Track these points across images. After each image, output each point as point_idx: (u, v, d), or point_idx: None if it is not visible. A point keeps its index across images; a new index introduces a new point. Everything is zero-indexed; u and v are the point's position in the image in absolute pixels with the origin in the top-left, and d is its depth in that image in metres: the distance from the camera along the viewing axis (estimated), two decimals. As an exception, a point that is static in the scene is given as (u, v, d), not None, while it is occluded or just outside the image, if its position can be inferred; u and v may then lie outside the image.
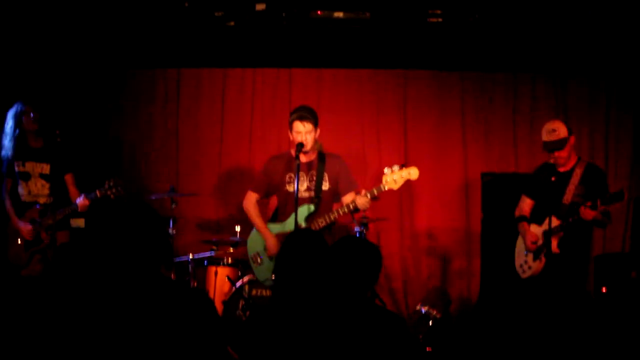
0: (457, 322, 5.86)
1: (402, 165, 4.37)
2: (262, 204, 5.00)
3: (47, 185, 4.94)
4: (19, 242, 4.91)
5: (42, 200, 4.91)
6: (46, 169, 4.95)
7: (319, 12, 5.71)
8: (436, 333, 5.49)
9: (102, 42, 6.17)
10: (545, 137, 4.59)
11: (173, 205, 5.61)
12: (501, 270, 5.13)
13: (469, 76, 6.37)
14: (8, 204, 5.00)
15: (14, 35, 5.97)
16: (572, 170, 4.62)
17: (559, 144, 4.57)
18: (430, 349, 5.28)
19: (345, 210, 4.45)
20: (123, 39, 6.14)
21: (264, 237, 4.68)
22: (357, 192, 4.59)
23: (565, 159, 4.61)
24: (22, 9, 5.65)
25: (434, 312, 5.53)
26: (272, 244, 4.61)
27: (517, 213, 4.88)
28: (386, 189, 4.36)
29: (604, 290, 5.33)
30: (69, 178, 5.04)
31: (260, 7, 5.61)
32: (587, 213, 4.39)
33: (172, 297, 2.26)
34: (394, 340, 2.65)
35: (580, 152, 6.22)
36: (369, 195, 4.35)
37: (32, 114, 4.88)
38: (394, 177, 4.33)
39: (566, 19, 5.60)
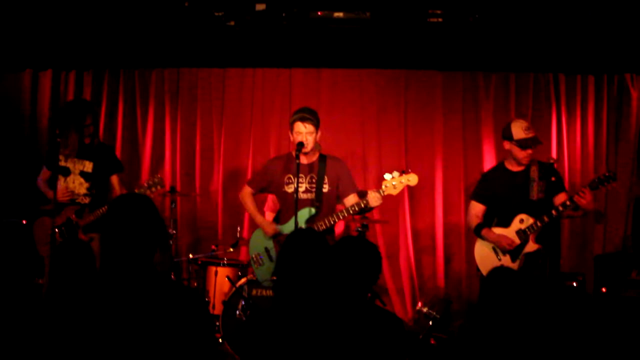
0: (457, 322, 5.86)
1: (403, 172, 4.41)
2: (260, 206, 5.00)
3: (86, 185, 4.82)
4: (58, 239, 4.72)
5: (79, 199, 4.77)
6: (88, 167, 4.81)
7: (319, 12, 5.70)
8: (436, 333, 5.50)
9: (102, 42, 6.17)
10: (524, 134, 4.61)
11: (173, 205, 5.61)
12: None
13: (469, 76, 6.37)
14: (45, 188, 4.82)
15: (14, 35, 5.97)
16: (527, 169, 4.65)
17: (538, 141, 4.66)
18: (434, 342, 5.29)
19: (356, 208, 4.44)
20: (123, 39, 6.14)
21: (258, 223, 4.72)
22: (360, 191, 4.60)
23: (532, 157, 4.67)
24: (23, 8, 5.65)
25: (434, 312, 5.54)
26: (268, 227, 4.65)
27: (473, 222, 4.85)
28: (385, 194, 4.38)
29: (604, 290, 5.33)
30: (115, 179, 4.91)
31: (260, 7, 5.61)
32: (585, 198, 4.40)
33: (167, 297, 2.26)
34: (391, 340, 2.65)
35: (583, 151, 6.26)
36: (378, 194, 4.37)
37: (91, 120, 4.82)
38: (394, 183, 4.37)
39: (566, 19, 5.60)
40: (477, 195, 4.91)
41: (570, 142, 6.27)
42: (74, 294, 2.27)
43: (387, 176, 4.40)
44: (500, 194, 4.73)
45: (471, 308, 6.02)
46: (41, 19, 5.78)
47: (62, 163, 4.81)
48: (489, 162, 6.28)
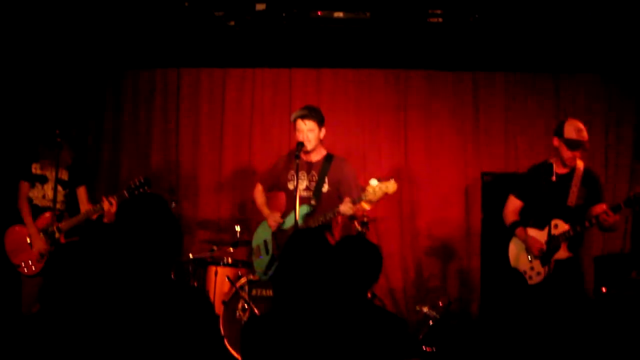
0: (457, 322, 5.87)
1: (380, 179, 4.31)
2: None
3: (63, 192, 4.84)
4: (33, 251, 4.77)
5: (57, 205, 4.77)
6: (65, 175, 4.85)
7: (319, 12, 5.70)
8: (436, 333, 5.50)
9: (102, 42, 6.17)
10: (575, 134, 4.44)
11: (173, 205, 5.61)
12: (501, 270, 5.12)
13: (469, 76, 6.37)
14: (26, 211, 4.83)
15: (14, 36, 5.97)
16: (572, 172, 4.53)
17: (585, 145, 4.49)
18: (430, 350, 5.29)
19: (331, 215, 4.46)
20: (123, 39, 6.14)
21: (264, 215, 4.79)
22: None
23: (576, 160, 4.53)
24: (23, 8, 5.65)
25: (434, 313, 5.54)
26: (271, 219, 4.70)
27: (509, 217, 4.76)
28: (366, 199, 4.28)
29: (604, 290, 5.33)
30: (82, 190, 4.94)
31: (260, 7, 5.61)
32: (610, 218, 4.27)
33: (171, 297, 2.25)
34: (393, 340, 2.65)
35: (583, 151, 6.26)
36: (350, 203, 4.35)
37: (68, 152, 4.82)
38: (375, 190, 4.27)
39: (566, 19, 5.61)
40: (516, 190, 4.79)
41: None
42: (74, 295, 2.27)
43: (372, 182, 4.29)
44: (540, 194, 4.62)
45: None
46: (41, 18, 5.77)
47: (39, 171, 4.84)
48: (489, 161, 6.29)
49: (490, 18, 5.66)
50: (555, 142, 4.56)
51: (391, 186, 4.27)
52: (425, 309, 5.62)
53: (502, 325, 5.14)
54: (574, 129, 4.47)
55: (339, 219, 4.66)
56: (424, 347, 5.35)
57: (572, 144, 4.44)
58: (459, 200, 6.33)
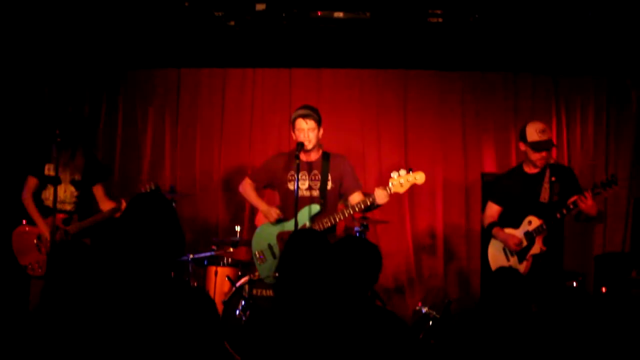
0: (458, 322, 5.86)
1: (409, 170, 4.42)
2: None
3: (76, 193, 4.80)
4: (42, 251, 4.73)
5: (67, 208, 4.74)
6: (78, 175, 4.80)
7: (319, 12, 5.71)
8: (436, 333, 5.50)
9: (102, 42, 6.17)
10: (537, 137, 4.57)
11: (173, 205, 5.61)
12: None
13: (469, 76, 6.37)
14: (32, 206, 4.76)
15: (13, 35, 5.97)
16: (542, 171, 4.63)
17: (551, 144, 4.63)
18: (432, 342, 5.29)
19: (362, 206, 4.44)
20: (123, 39, 6.14)
21: (262, 210, 4.72)
22: (365, 192, 4.60)
23: (547, 160, 4.63)
24: (23, 7, 5.65)
25: (434, 312, 5.54)
26: (272, 212, 4.64)
27: (486, 221, 4.87)
28: (392, 192, 4.38)
29: (604, 290, 5.33)
30: (99, 189, 4.90)
31: (260, 7, 5.61)
32: (587, 202, 4.38)
33: (172, 296, 2.25)
34: (393, 340, 2.65)
35: (583, 152, 6.27)
36: (386, 191, 4.35)
37: (80, 152, 4.79)
38: (401, 181, 4.37)
39: (566, 19, 5.61)
40: (493, 195, 4.92)
41: (570, 142, 6.28)
42: (76, 295, 2.27)
43: (394, 174, 4.39)
44: (514, 196, 4.73)
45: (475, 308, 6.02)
46: (41, 18, 5.77)
47: (52, 172, 4.73)
48: (488, 162, 6.29)
49: (490, 18, 5.66)
50: (522, 146, 4.70)
51: (420, 177, 4.41)
52: (425, 309, 5.62)
53: (501, 324, 5.14)
54: (536, 130, 4.59)
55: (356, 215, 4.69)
56: (425, 346, 5.35)
57: (537, 146, 4.56)
58: (459, 201, 6.33)
